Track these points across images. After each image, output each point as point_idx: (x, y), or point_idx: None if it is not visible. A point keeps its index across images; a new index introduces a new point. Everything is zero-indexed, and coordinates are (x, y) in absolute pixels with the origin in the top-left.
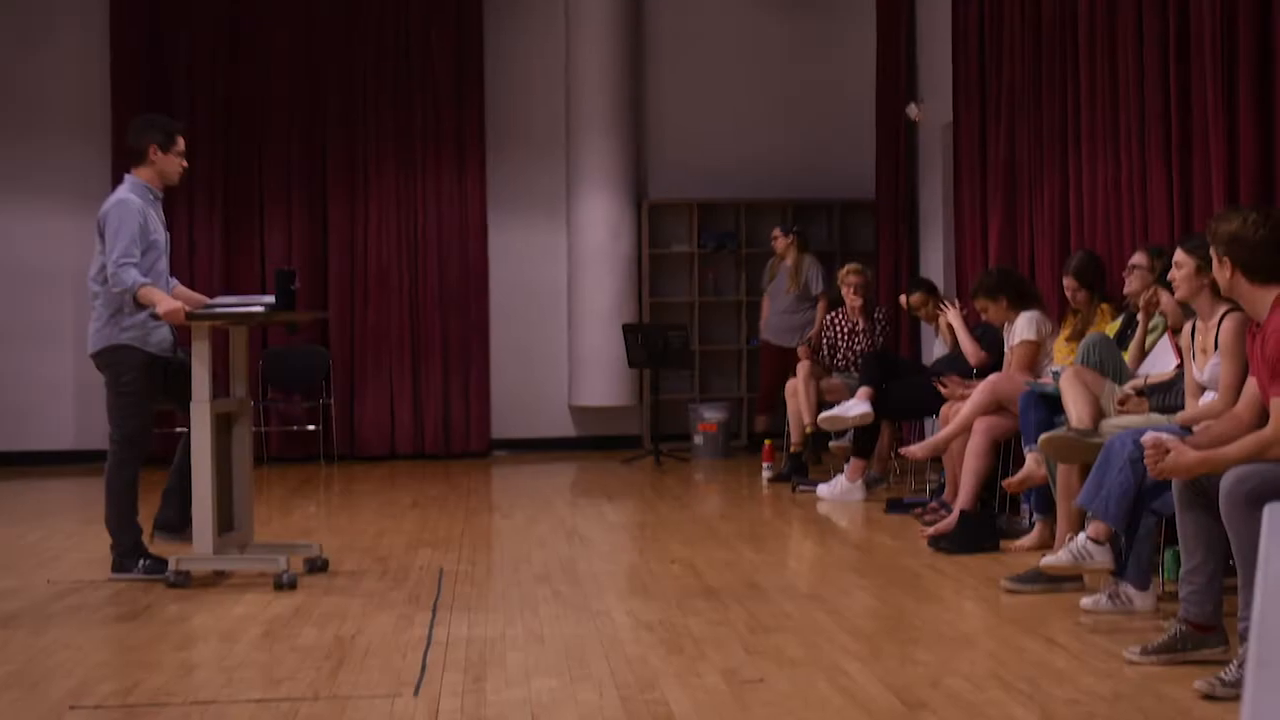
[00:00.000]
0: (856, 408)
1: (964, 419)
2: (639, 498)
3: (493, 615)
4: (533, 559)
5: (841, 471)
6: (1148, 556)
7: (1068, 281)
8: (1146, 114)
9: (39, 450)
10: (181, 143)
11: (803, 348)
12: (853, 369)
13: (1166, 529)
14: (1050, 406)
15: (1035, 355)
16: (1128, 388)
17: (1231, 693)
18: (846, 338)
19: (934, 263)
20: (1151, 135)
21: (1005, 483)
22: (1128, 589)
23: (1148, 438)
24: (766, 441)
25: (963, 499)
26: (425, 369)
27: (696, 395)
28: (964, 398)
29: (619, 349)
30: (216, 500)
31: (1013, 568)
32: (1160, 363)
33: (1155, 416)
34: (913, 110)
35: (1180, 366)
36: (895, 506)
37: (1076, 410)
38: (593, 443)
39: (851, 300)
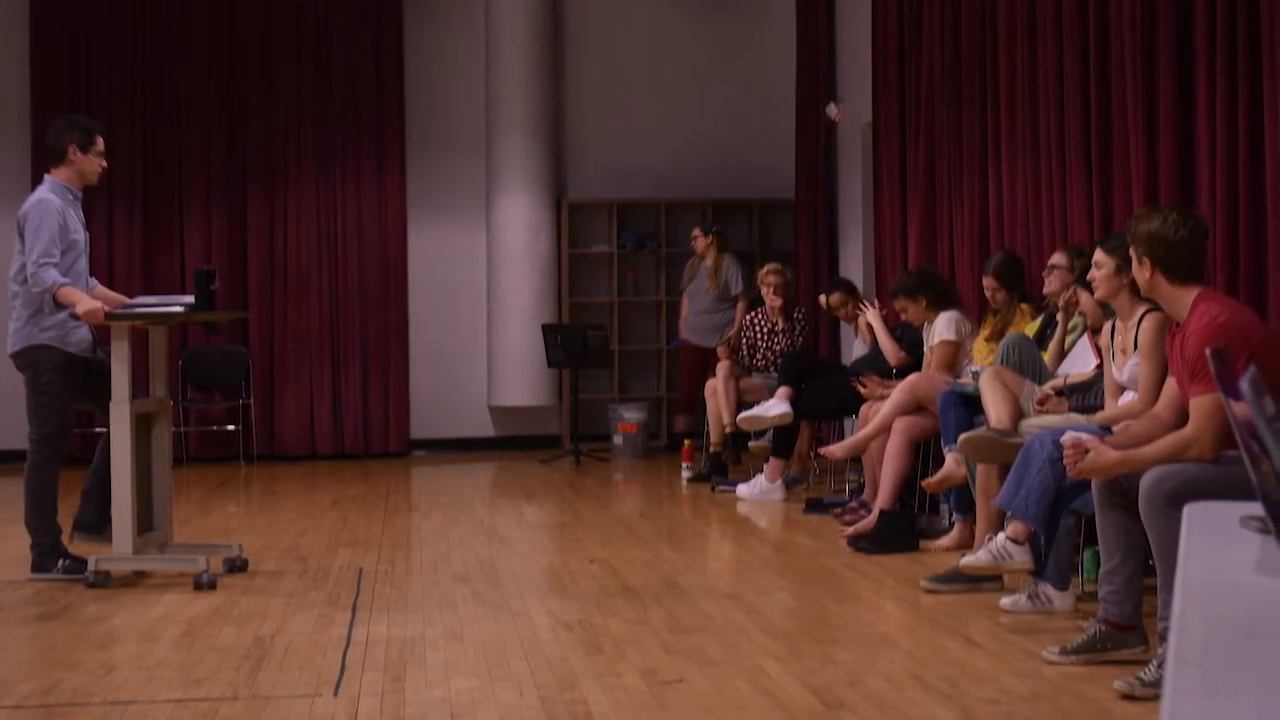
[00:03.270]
0: (776, 408)
1: (883, 419)
2: (558, 498)
3: (412, 615)
4: (452, 559)
5: (761, 471)
6: (1067, 556)
7: (987, 281)
8: (1066, 114)
9: None
10: (101, 143)
11: (722, 348)
12: (772, 369)
13: (1086, 529)
14: (970, 406)
15: (955, 355)
16: (1047, 388)
17: (1151, 692)
18: (766, 338)
19: (853, 263)
20: (1071, 136)
21: (925, 483)
22: (1047, 589)
23: (1067, 438)
24: (686, 441)
25: (882, 499)
26: (345, 369)
27: (616, 395)
28: (883, 398)
29: (538, 349)
30: (136, 500)
31: (932, 567)
32: (1080, 363)
33: (1075, 416)
34: (832, 110)
35: (1100, 366)
36: (815, 506)
37: (996, 410)
38: (512, 443)
39: (771, 300)
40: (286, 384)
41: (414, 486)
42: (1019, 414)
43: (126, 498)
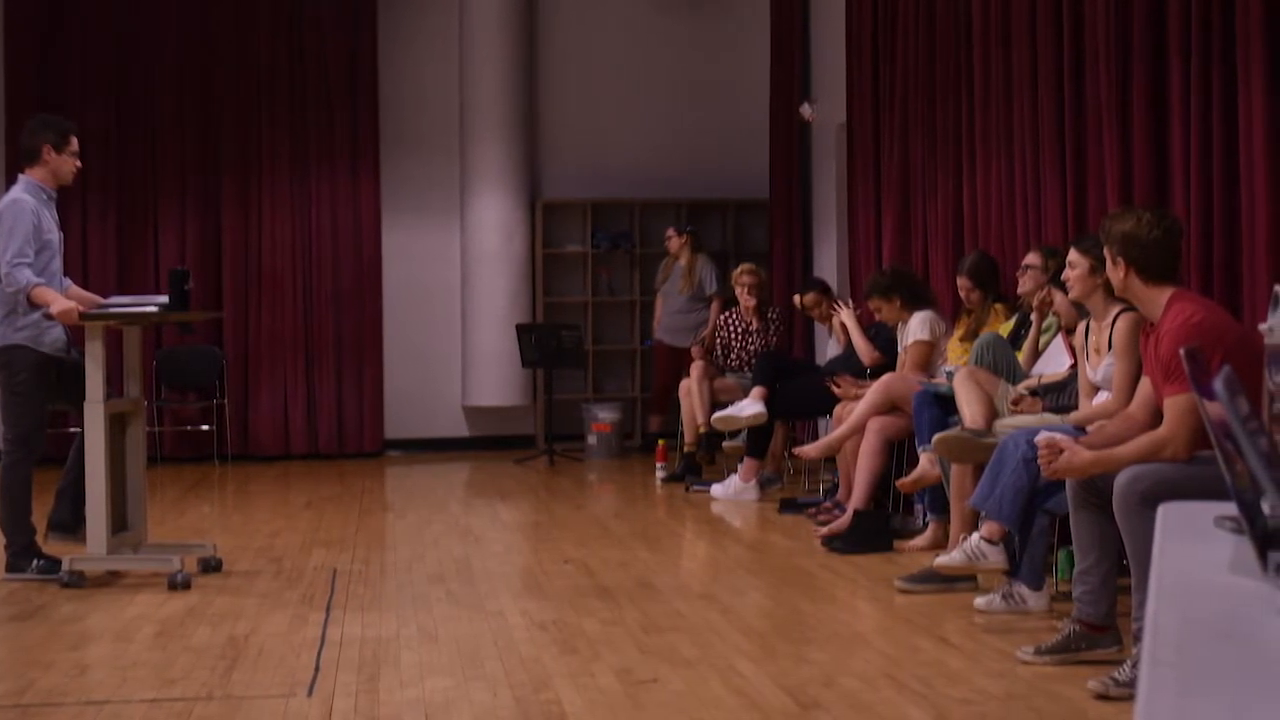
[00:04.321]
0: (750, 408)
1: (857, 419)
2: (533, 498)
3: (386, 615)
4: (426, 559)
5: (735, 471)
6: (1041, 556)
7: (961, 281)
8: (1040, 114)
9: None
10: (75, 143)
11: (696, 348)
12: (746, 369)
13: (1060, 529)
14: (944, 406)
15: (929, 355)
16: (1021, 388)
17: (1125, 692)
18: (740, 338)
19: (828, 263)
20: (1045, 135)
21: (899, 483)
22: (1021, 589)
23: (1041, 438)
24: (660, 441)
25: (856, 499)
26: (319, 369)
27: (590, 395)
28: (857, 398)
29: (513, 349)
30: (110, 500)
31: (906, 568)
32: (1054, 363)
33: (1049, 416)
34: (806, 110)
35: (1074, 366)
36: (789, 506)
37: (970, 410)
38: (486, 443)
39: (745, 300)
40: (261, 384)
41: (388, 486)
42: (993, 414)
43: (101, 498)
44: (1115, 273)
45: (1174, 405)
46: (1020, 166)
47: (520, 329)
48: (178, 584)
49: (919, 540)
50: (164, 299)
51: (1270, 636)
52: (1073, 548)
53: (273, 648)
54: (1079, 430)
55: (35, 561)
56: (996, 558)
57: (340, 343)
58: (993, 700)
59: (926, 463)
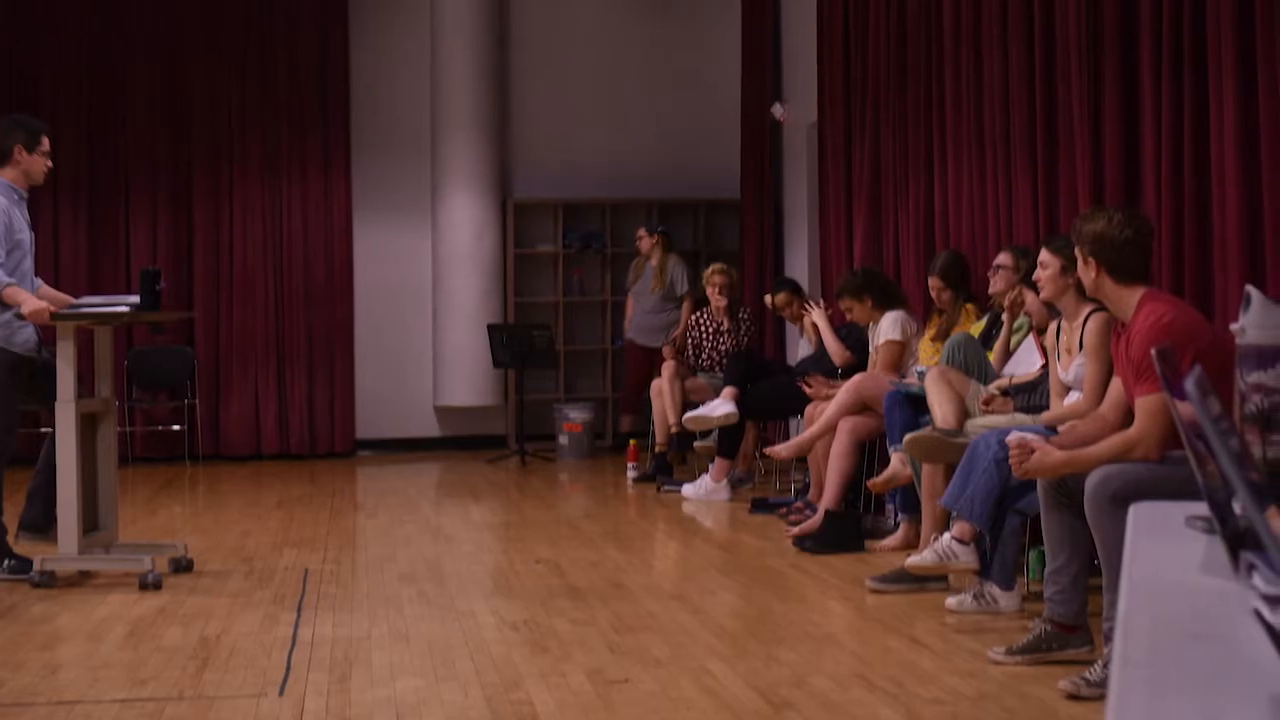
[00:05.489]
0: (721, 408)
1: (829, 419)
2: (504, 498)
3: (357, 615)
4: (398, 559)
5: (706, 471)
6: (1012, 556)
7: (933, 281)
8: (1011, 114)
9: None
10: (47, 143)
11: (668, 348)
12: (717, 369)
13: (1031, 529)
14: (915, 406)
15: (900, 355)
16: (992, 388)
17: (1096, 692)
18: (711, 338)
19: (799, 263)
20: (1016, 135)
21: (870, 483)
22: (993, 589)
23: (1012, 438)
24: (631, 441)
25: (828, 499)
26: (290, 369)
27: (562, 395)
28: (829, 398)
29: (484, 349)
30: (81, 500)
31: (878, 568)
32: (1025, 363)
33: (1020, 416)
34: (777, 110)
35: (1045, 367)
36: (760, 506)
37: (941, 410)
38: (458, 443)
39: (716, 300)
40: (232, 384)
41: (359, 486)
42: (964, 414)
43: (72, 498)
44: (1086, 273)
45: (1145, 405)
46: (992, 166)
47: (491, 329)
48: (149, 584)
49: (890, 540)
50: (135, 299)
51: (1242, 637)
52: (1044, 548)
53: (244, 648)
54: (1050, 430)
55: (6, 561)
56: (968, 558)
57: (311, 343)
58: (964, 700)
59: (898, 463)
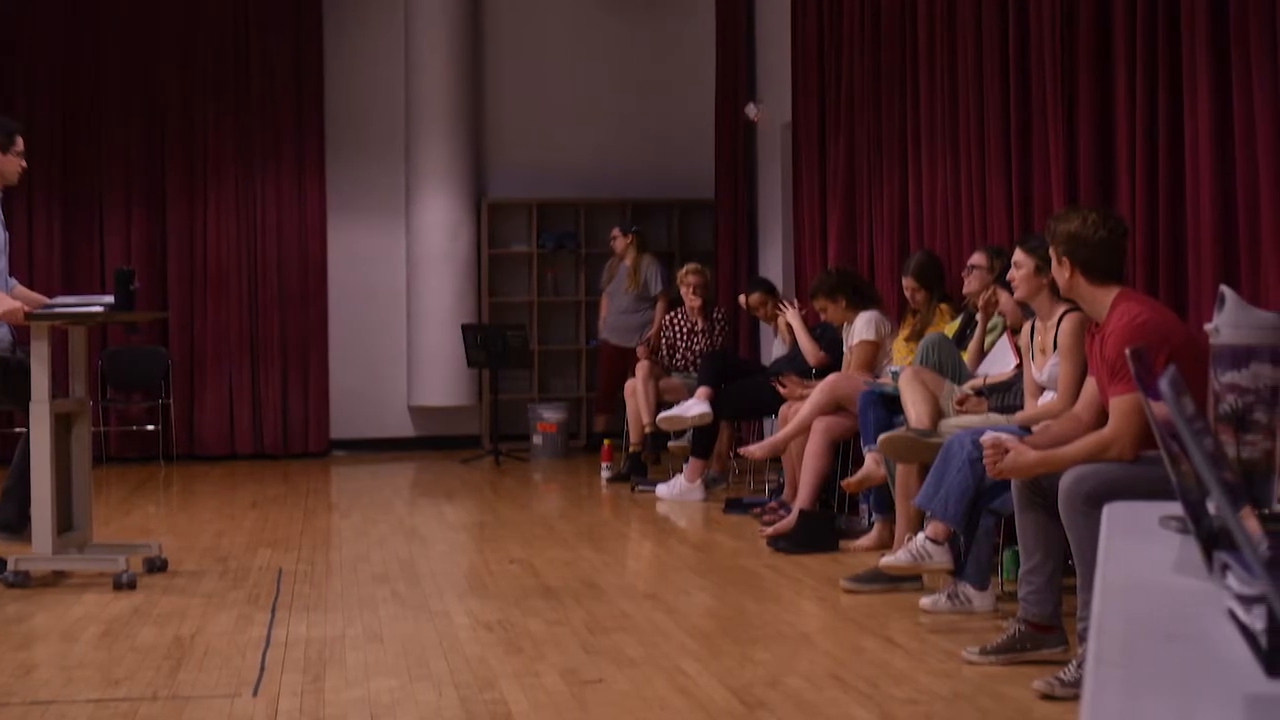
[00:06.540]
0: (695, 408)
1: (803, 419)
2: (478, 498)
3: (332, 615)
4: (372, 559)
5: (681, 471)
6: (986, 556)
7: (907, 282)
8: (986, 114)
9: None
10: (20, 143)
11: (642, 348)
12: (692, 369)
13: (1005, 529)
14: (889, 406)
15: (874, 355)
16: (967, 388)
17: (1070, 692)
18: (686, 338)
19: (773, 263)
20: (991, 135)
21: (844, 483)
22: (967, 589)
23: (987, 438)
24: (605, 441)
25: (802, 499)
26: (264, 369)
27: (536, 395)
28: (803, 398)
29: (458, 349)
30: (56, 500)
31: (852, 568)
32: (999, 363)
33: (994, 416)
34: (751, 110)
35: (1019, 367)
36: (734, 506)
37: (915, 410)
38: (432, 443)
39: (691, 300)
40: (206, 384)
41: (334, 486)
42: (938, 414)
43: (46, 497)
44: (1061, 273)
45: (1119, 405)
46: (966, 166)
47: (465, 329)
48: (123, 584)
49: (864, 540)
50: (109, 299)
51: (1216, 637)
52: (1018, 548)
53: (218, 648)
54: (1024, 430)
55: None
56: (942, 558)
57: (286, 343)
58: (938, 700)
59: (872, 463)
